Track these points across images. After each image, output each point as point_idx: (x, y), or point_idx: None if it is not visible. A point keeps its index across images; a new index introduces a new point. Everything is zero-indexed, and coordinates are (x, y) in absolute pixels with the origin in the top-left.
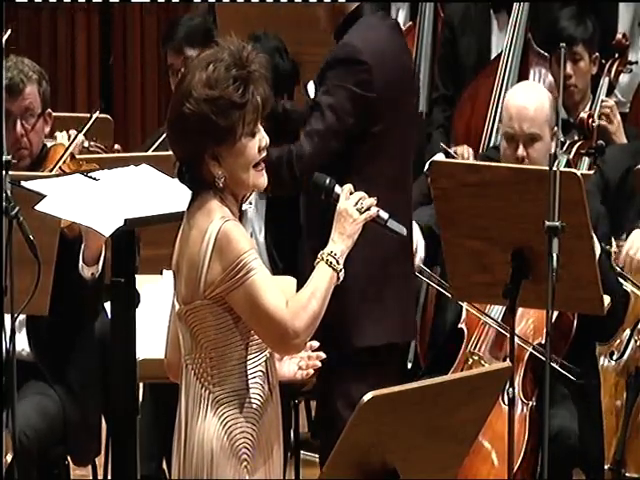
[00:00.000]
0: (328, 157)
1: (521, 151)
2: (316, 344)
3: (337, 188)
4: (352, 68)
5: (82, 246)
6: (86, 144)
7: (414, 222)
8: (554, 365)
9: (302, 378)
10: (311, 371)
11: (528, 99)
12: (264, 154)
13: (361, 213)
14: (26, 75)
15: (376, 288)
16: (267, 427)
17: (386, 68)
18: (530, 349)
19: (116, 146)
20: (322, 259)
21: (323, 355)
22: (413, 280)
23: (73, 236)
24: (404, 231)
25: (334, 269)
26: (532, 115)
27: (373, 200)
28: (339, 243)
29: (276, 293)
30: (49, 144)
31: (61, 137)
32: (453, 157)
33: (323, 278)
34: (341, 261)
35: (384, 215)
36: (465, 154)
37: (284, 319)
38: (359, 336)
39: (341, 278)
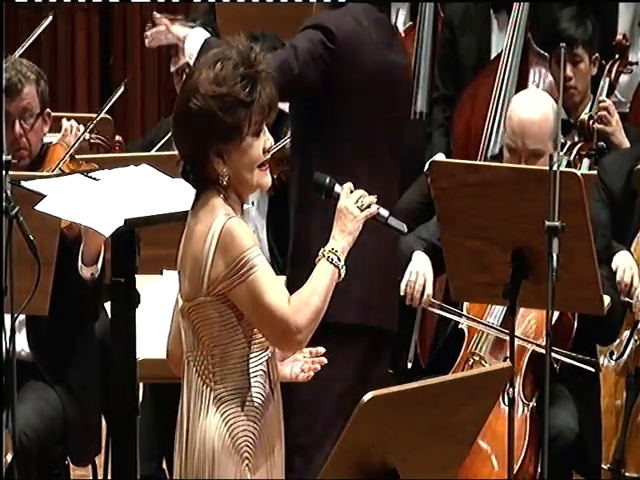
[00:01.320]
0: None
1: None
2: (322, 350)
3: (337, 187)
4: (321, 34)
5: (81, 246)
6: (87, 136)
7: (422, 255)
8: (571, 361)
9: (303, 380)
10: (312, 374)
11: (533, 113)
12: (269, 155)
13: (362, 211)
14: (24, 75)
15: None
16: (268, 425)
17: (358, 53)
18: (531, 347)
19: (117, 137)
20: (323, 256)
21: (325, 360)
22: (383, 271)
23: (72, 236)
24: (404, 228)
25: (335, 266)
26: (536, 131)
27: (373, 198)
28: (340, 240)
29: (278, 290)
30: (54, 139)
31: (66, 128)
32: None
33: (325, 275)
34: (342, 258)
35: (384, 213)
36: None
37: (286, 315)
38: None
39: (342, 275)
